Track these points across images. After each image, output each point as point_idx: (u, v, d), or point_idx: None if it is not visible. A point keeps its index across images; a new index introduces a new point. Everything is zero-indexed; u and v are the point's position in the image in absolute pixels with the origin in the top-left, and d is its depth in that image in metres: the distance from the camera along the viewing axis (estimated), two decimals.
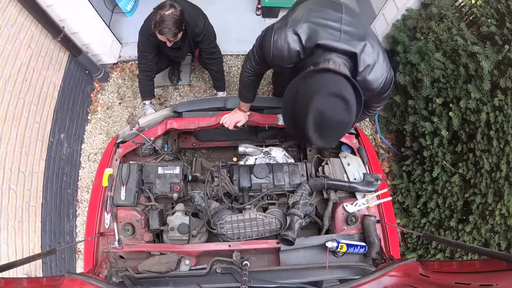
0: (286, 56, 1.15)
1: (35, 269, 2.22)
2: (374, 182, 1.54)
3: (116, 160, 1.71)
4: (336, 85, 0.99)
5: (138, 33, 2.14)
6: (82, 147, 2.87)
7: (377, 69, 1.11)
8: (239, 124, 1.77)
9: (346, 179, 1.64)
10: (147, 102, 2.44)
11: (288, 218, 1.54)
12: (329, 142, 1.06)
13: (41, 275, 2.25)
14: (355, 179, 1.62)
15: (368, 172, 1.65)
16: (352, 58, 1.09)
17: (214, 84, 2.66)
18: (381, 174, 1.61)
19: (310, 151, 2.05)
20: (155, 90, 2.52)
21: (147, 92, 2.39)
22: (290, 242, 1.39)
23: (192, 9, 2.13)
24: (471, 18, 2.26)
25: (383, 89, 1.18)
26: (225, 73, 3.08)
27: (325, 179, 1.58)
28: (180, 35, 2.00)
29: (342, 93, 0.98)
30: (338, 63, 1.06)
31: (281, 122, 1.82)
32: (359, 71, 1.09)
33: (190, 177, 1.78)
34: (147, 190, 1.66)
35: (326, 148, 1.90)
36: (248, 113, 1.78)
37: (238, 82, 3.06)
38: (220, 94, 2.65)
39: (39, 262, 2.26)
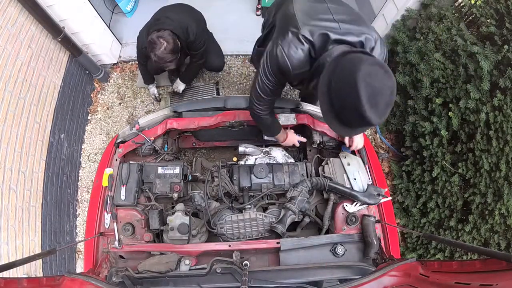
0: (304, 60, 1.19)
1: (35, 269, 2.22)
2: (376, 196, 1.53)
3: (116, 160, 1.71)
4: (368, 57, 1.01)
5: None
6: (82, 147, 2.87)
7: (378, 46, 1.21)
8: (296, 143, 1.85)
9: (346, 178, 1.63)
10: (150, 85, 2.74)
11: (282, 211, 1.56)
12: (385, 113, 1.02)
13: (41, 275, 2.25)
14: (355, 179, 1.62)
15: (372, 183, 1.63)
16: (359, 43, 1.17)
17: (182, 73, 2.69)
18: (386, 189, 1.58)
19: (310, 151, 2.05)
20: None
21: (147, 78, 2.66)
22: (279, 235, 1.43)
23: (182, 21, 2.06)
24: (470, 18, 2.26)
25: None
26: (224, 73, 3.10)
27: (328, 180, 1.58)
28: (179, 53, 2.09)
29: (377, 61, 1.01)
30: (353, 46, 1.16)
31: (281, 122, 1.81)
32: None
33: (190, 177, 1.78)
34: (147, 190, 1.66)
35: (326, 148, 1.90)
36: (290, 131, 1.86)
37: (238, 82, 3.10)
38: (180, 85, 2.69)
39: (39, 262, 2.26)
